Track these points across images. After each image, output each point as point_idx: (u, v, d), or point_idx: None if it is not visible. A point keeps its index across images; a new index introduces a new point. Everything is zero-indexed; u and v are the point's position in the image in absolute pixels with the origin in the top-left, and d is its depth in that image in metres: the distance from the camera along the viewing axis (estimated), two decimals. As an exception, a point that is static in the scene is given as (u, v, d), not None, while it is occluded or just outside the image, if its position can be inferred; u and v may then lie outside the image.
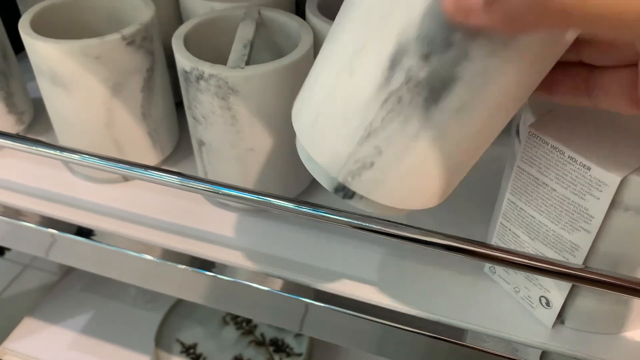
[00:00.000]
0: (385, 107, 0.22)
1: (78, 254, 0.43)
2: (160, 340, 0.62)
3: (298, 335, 0.64)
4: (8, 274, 1.17)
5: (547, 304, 0.34)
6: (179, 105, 0.44)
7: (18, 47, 0.46)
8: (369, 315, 0.36)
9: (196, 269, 0.39)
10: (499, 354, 0.34)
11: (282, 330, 0.65)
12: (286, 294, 0.37)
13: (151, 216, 0.43)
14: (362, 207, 0.26)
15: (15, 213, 0.43)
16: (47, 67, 0.39)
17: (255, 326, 0.65)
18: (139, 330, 0.69)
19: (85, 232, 0.42)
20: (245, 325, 0.65)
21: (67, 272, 0.77)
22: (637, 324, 0.35)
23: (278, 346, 0.63)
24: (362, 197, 0.25)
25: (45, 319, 0.71)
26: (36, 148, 0.37)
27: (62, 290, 0.74)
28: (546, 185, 0.31)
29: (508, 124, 0.26)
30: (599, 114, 0.30)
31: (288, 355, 0.63)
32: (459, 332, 0.35)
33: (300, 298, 0.37)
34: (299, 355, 0.62)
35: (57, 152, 0.37)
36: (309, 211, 0.33)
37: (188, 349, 0.63)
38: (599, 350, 0.34)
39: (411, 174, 0.24)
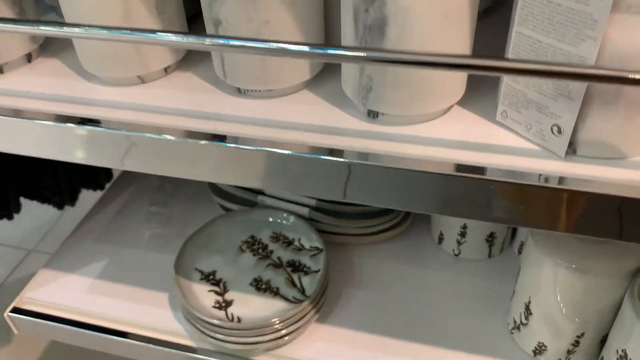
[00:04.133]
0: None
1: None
2: (179, 270, 0.63)
3: (313, 255, 0.66)
4: (12, 260, 1.18)
5: (559, 131, 0.36)
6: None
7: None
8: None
9: (239, 146, 0.40)
10: (517, 182, 0.36)
11: (298, 251, 0.66)
12: (327, 157, 0.39)
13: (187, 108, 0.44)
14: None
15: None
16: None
17: (272, 251, 0.67)
18: (155, 272, 0.70)
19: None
20: (261, 251, 0.67)
21: (78, 226, 0.78)
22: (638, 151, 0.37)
23: (295, 267, 0.65)
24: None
25: (60, 269, 0.72)
26: (38, 27, 0.39)
27: (75, 242, 0.75)
28: (551, 2, 0.33)
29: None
30: None
31: (306, 273, 0.64)
32: (481, 169, 0.37)
33: (342, 159, 0.38)
34: (317, 272, 0.64)
35: (58, 29, 0.38)
36: (327, 52, 0.34)
37: (208, 276, 0.64)
38: (610, 174, 0.36)
39: None
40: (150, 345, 0.64)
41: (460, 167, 0.37)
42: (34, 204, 0.85)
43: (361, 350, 0.61)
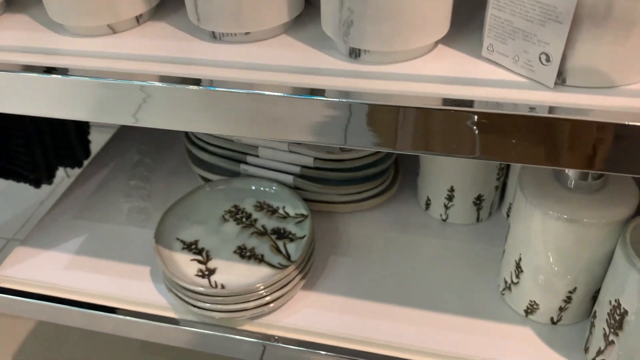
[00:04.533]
0: None
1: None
2: (160, 240, 0.61)
3: (299, 222, 0.64)
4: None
5: (547, 59, 0.35)
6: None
7: None
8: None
9: (215, 88, 0.38)
10: (508, 112, 0.35)
11: (283, 219, 0.65)
12: (309, 97, 0.37)
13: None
14: None
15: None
16: None
17: (256, 220, 0.65)
18: (136, 247, 0.68)
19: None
20: (245, 220, 0.65)
21: (55, 203, 0.75)
22: (633, 77, 0.36)
23: (280, 234, 0.63)
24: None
25: (37, 246, 0.70)
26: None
27: (53, 220, 0.73)
28: None
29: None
30: None
31: (291, 240, 0.62)
32: (470, 102, 0.36)
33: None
34: (302, 238, 0.62)
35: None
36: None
37: (190, 246, 0.62)
38: (601, 102, 0.35)
39: None
40: (132, 319, 0.62)
41: (447, 101, 0.36)
42: (13, 190, 0.83)
43: (350, 316, 0.59)
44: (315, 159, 0.65)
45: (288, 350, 0.58)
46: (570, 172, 0.50)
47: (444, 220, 0.69)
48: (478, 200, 0.66)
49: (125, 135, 0.86)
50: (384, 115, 0.36)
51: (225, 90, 0.38)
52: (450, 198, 0.67)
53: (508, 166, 0.67)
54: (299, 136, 0.39)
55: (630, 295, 0.47)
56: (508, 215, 0.68)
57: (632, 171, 0.35)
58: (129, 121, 0.42)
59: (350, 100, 0.36)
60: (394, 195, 0.71)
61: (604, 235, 0.50)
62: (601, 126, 0.33)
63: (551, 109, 0.34)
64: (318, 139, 0.39)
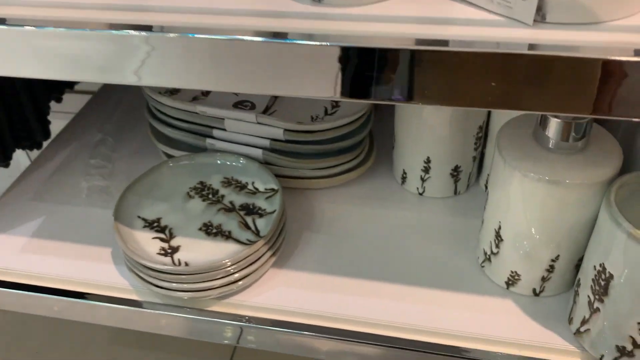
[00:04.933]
0: None
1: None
2: (119, 217, 0.57)
3: (269, 197, 0.61)
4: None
5: (527, -8, 0.32)
6: None
7: None
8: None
9: (166, 34, 0.35)
10: (486, 51, 0.32)
11: (252, 195, 0.61)
12: (273, 40, 0.34)
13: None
14: None
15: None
16: None
17: (223, 196, 0.61)
18: (97, 228, 0.64)
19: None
20: (211, 197, 0.61)
21: (11, 187, 0.71)
22: (618, 12, 0.33)
23: (249, 210, 0.59)
24: None
25: (-10, 230, 0.65)
26: None
27: (7, 203, 0.68)
28: None
29: None
30: None
31: (261, 216, 0.59)
32: (444, 41, 0.33)
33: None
34: (272, 213, 0.59)
35: None
36: None
37: (152, 224, 0.58)
38: (583, 38, 0.32)
39: None
40: (93, 302, 0.58)
41: (420, 41, 0.33)
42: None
43: (323, 293, 0.56)
44: (285, 130, 0.62)
45: (261, 330, 0.55)
46: (551, 132, 0.48)
47: (421, 194, 0.66)
48: (455, 172, 0.64)
49: (87, 115, 0.82)
50: (355, 60, 0.33)
51: (181, 35, 0.35)
52: (426, 170, 0.64)
53: (486, 135, 0.64)
54: (256, 87, 0.36)
55: (615, 258, 0.44)
56: (486, 187, 0.66)
57: (619, 114, 0.32)
58: (75, 76, 0.38)
59: (315, 43, 0.33)
60: (369, 170, 0.68)
61: (587, 198, 0.47)
62: (586, 62, 0.31)
63: (531, 47, 0.32)
64: (281, 89, 0.36)
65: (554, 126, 0.47)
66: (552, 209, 0.48)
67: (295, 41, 0.33)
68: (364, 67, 0.33)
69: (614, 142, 0.49)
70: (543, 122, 0.48)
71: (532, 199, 0.48)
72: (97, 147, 0.73)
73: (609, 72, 0.31)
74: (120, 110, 0.82)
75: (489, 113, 0.62)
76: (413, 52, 0.32)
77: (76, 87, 0.89)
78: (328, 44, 0.33)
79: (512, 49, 0.31)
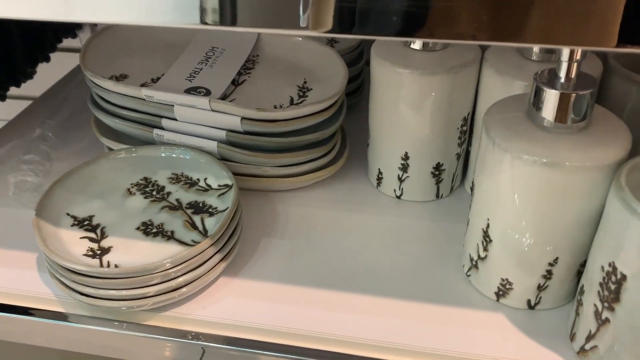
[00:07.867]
0: None
1: None
2: (42, 214, 0.49)
3: (222, 195, 0.52)
4: None
5: None
6: None
7: None
8: None
9: None
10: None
11: (203, 192, 0.53)
12: None
13: None
14: None
15: None
16: None
17: (169, 193, 0.53)
18: (22, 230, 0.55)
19: None
20: (155, 194, 0.53)
21: None
22: None
23: (198, 208, 0.51)
24: None
25: None
26: None
27: None
28: None
29: None
30: None
31: (211, 214, 0.50)
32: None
33: None
34: (224, 211, 0.50)
35: None
36: None
37: (82, 222, 0.50)
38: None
39: None
40: (10, 315, 0.49)
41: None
42: None
43: (285, 305, 0.48)
44: (243, 118, 0.54)
45: (210, 348, 0.46)
46: (546, 114, 0.40)
47: (399, 197, 0.58)
48: (437, 171, 0.56)
49: (32, 113, 0.74)
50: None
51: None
52: (404, 168, 0.56)
53: (471, 131, 0.57)
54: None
55: (628, 254, 0.36)
56: (472, 190, 0.58)
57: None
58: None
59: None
60: (340, 170, 0.61)
61: (591, 184, 0.40)
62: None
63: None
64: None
65: (551, 99, 0.40)
66: (549, 200, 0.40)
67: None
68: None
69: (619, 122, 0.42)
70: (538, 95, 0.41)
71: (525, 187, 0.41)
72: (33, 143, 0.65)
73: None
74: (68, 108, 0.74)
75: (475, 103, 0.55)
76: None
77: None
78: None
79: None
